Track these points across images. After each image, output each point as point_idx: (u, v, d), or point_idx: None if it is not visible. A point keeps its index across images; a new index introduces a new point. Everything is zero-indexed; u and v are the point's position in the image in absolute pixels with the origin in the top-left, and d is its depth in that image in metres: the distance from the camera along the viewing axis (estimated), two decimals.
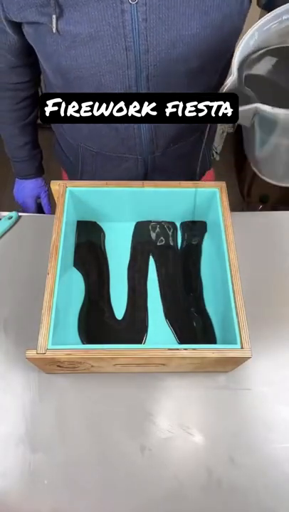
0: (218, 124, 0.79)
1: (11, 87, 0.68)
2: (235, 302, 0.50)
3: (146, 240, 0.67)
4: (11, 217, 0.70)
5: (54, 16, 0.49)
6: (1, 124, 0.75)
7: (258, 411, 0.54)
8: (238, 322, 0.49)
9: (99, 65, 0.55)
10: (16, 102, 0.70)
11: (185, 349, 0.47)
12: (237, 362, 0.51)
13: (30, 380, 0.56)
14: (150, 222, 0.68)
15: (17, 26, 0.55)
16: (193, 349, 0.47)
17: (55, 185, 0.60)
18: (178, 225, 0.68)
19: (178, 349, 0.47)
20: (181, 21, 0.51)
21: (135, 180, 0.62)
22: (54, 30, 0.51)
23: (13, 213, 0.71)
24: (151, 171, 0.72)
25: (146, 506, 0.49)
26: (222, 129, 1.65)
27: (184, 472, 0.51)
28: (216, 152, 1.70)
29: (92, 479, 0.50)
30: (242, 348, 0.48)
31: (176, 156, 0.72)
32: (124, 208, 0.65)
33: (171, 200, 0.63)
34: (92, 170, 0.75)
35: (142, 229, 0.68)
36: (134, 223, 0.68)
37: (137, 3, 0.49)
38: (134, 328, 0.58)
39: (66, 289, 0.59)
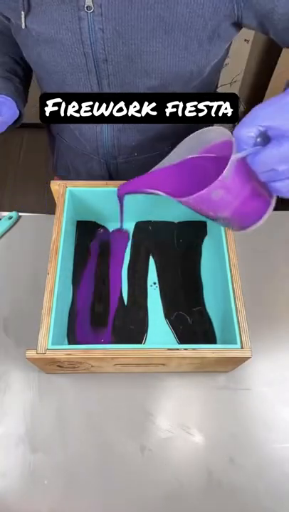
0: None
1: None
2: (235, 302, 0.50)
3: (146, 240, 0.66)
4: (11, 218, 0.70)
5: (22, 13, 0.51)
6: None
7: (258, 411, 0.54)
8: (238, 322, 0.49)
9: (61, 65, 0.56)
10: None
11: (185, 349, 0.47)
12: (237, 362, 0.51)
13: (30, 380, 0.56)
14: (150, 222, 0.68)
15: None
16: (193, 349, 0.47)
17: (55, 186, 0.60)
18: (178, 225, 0.68)
19: (178, 349, 0.47)
20: (140, 37, 0.51)
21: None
22: (23, 26, 0.53)
23: (13, 213, 0.71)
24: (115, 175, 0.73)
25: (146, 506, 0.49)
26: None
27: (184, 472, 0.51)
28: None
29: (92, 479, 0.50)
30: (242, 348, 0.48)
31: (141, 165, 0.72)
32: (124, 208, 0.65)
33: (171, 200, 0.63)
34: (65, 162, 0.78)
35: (142, 229, 0.68)
36: (134, 223, 0.68)
37: (92, 11, 0.49)
38: (134, 328, 0.58)
39: (66, 289, 0.59)
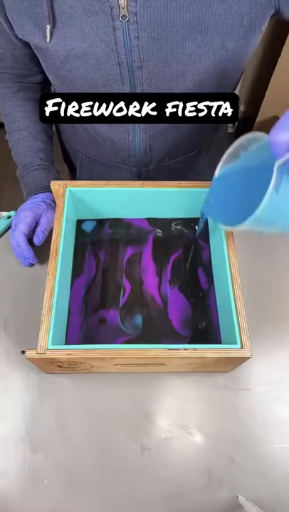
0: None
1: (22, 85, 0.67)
2: (235, 302, 0.50)
3: (147, 240, 0.66)
4: (9, 217, 0.70)
5: (48, 27, 0.49)
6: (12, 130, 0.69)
7: (258, 411, 0.54)
8: (238, 322, 0.49)
9: (94, 79, 0.55)
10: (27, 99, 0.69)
11: (185, 349, 0.47)
12: (237, 362, 0.51)
13: (30, 380, 0.56)
14: (150, 219, 0.68)
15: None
16: (193, 349, 0.47)
17: (55, 186, 0.60)
18: (178, 222, 0.68)
19: (178, 349, 0.47)
20: (175, 40, 0.50)
21: None
22: (48, 40, 0.51)
23: (12, 213, 0.71)
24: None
25: (146, 506, 0.49)
26: None
27: (183, 472, 0.51)
28: None
29: (92, 479, 0.50)
30: (242, 348, 0.48)
31: (172, 171, 0.72)
32: (124, 207, 0.65)
33: (171, 200, 0.63)
34: (90, 176, 0.77)
35: (142, 229, 0.68)
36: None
37: (128, 21, 0.48)
38: (133, 328, 0.58)
39: (66, 289, 0.59)
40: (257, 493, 0.50)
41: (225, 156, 0.48)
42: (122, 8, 0.47)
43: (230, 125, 1.68)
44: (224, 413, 0.54)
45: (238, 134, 1.72)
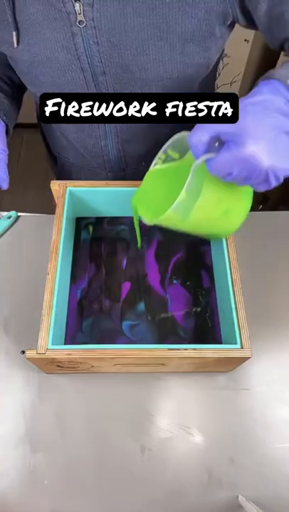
0: None
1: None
2: (235, 302, 0.50)
3: (149, 241, 0.66)
4: (9, 217, 0.70)
5: (14, 34, 0.50)
6: None
7: (258, 411, 0.54)
8: (238, 322, 0.49)
9: (60, 84, 0.56)
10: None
11: (185, 349, 0.47)
12: (237, 362, 0.51)
13: (30, 380, 0.56)
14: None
15: None
16: (193, 349, 0.47)
17: (55, 186, 0.60)
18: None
19: (178, 349, 0.47)
20: (135, 45, 0.50)
21: None
22: (15, 45, 0.52)
23: (12, 213, 0.71)
24: None
25: (146, 506, 0.49)
26: None
27: (183, 472, 0.51)
28: None
29: (92, 479, 0.50)
30: (242, 348, 0.48)
31: None
32: (124, 207, 0.65)
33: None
34: (70, 178, 0.78)
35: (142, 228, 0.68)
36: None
37: (85, 26, 0.48)
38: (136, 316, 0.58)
39: (66, 289, 0.59)
40: (257, 493, 0.50)
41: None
42: (79, 14, 0.47)
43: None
44: (224, 413, 0.54)
45: None
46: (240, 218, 0.47)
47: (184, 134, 0.44)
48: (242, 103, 0.36)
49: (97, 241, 0.66)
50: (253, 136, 0.34)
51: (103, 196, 0.62)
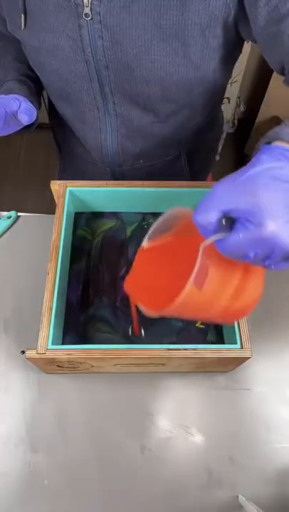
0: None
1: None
2: None
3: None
4: (10, 217, 0.70)
5: (22, 17, 0.52)
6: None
7: (258, 411, 0.55)
8: (238, 322, 0.49)
9: (64, 74, 0.57)
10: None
11: (185, 349, 0.47)
12: (237, 362, 0.51)
13: (30, 380, 0.56)
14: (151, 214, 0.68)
15: None
16: (194, 349, 0.47)
17: (55, 186, 0.60)
18: None
19: (178, 349, 0.47)
20: (138, 45, 0.50)
21: None
22: (22, 27, 0.53)
23: (12, 213, 0.71)
24: (122, 180, 0.73)
25: (146, 506, 0.49)
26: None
27: (183, 472, 0.51)
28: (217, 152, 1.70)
29: (92, 479, 0.50)
30: (242, 348, 0.48)
31: (148, 172, 0.72)
32: (123, 207, 0.65)
33: (171, 200, 0.63)
34: (73, 170, 0.80)
35: (142, 228, 0.67)
36: (135, 220, 0.68)
37: (92, 19, 0.49)
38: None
39: (66, 289, 0.59)
40: (257, 493, 0.50)
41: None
42: (86, 7, 0.48)
43: (230, 125, 1.67)
44: (224, 413, 0.54)
45: (238, 134, 1.73)
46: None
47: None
48: (246, 173, 0.32)
49: (96, 239, 0.66)
50: (271, 213, 0.30)
51: (103, 196, 0.62)
